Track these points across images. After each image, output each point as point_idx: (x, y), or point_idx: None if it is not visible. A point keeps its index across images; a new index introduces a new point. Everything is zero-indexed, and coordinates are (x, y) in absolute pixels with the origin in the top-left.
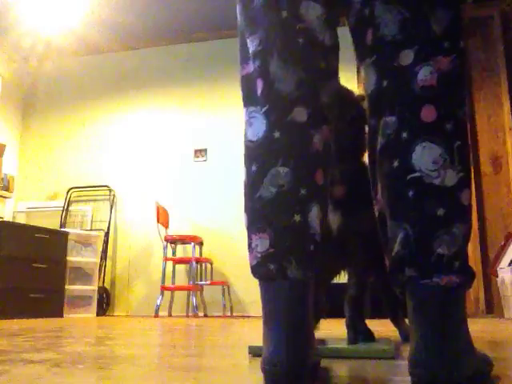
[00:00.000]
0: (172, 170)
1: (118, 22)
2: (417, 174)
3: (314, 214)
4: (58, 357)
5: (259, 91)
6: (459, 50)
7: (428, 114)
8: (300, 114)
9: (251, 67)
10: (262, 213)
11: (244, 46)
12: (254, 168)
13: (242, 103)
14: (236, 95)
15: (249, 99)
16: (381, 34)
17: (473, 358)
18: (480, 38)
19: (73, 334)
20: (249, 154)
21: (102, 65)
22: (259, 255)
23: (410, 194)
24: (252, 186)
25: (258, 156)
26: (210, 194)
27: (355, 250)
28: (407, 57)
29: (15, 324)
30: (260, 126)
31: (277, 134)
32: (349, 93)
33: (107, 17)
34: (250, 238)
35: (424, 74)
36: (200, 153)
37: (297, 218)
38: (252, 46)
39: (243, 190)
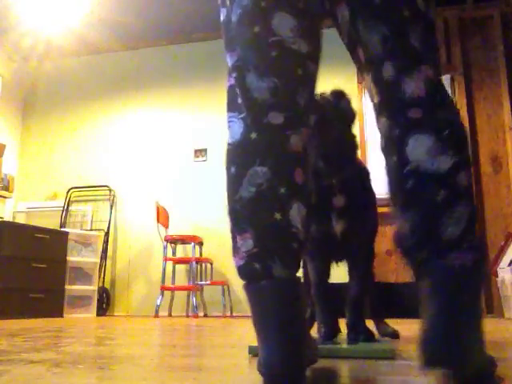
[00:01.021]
0: (172, 170)
1: (118, 21)
2: (413, 165)
3: (295, 212)
4: (58, 357)
5: (239, 99)
6: (437, 59)
7: (415, 112)
8: (275, 118)
9: (232, 79)
10: (244, 213)
11: (227, 62)
12: (233, 169)
13: None
14: None
15: (230, 106)
16: (368, 52)
17: (482, 348)
18: (480, 37)
19: (73, 333)
20: (227, 157)
21: (102, 65)
22: (245, 255)
23: (410, 183)
24: (232, 187)
25: (236, 157)
26: (209, 194)
27: (359, 252)
28: (390, 69)
29: (15, 324)
30: (237, 129)
31: (254, 135)
32: (322, 99)
33: (107, 17)
34: (234, 240)
35: (409, 87)
36: (200, 153)
37: (277, 216)
38: (230, 62)
39: (226, 193)
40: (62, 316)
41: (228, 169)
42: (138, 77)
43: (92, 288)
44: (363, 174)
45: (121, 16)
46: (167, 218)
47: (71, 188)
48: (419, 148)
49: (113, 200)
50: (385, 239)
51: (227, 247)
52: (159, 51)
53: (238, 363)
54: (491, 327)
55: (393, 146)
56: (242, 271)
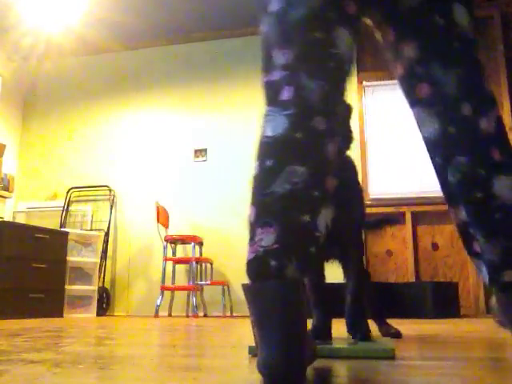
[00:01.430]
0: (172, 170)
1: (118, 21)
2: (500, 201)
3: (323, 217)
4: (58, 357)
5: (285, 96)
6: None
7: (495, 153)
8: (320, 123)
9: (277, 75)
10: (273, 208)
11: (270, 56)
12: (268, 163)
13: (242, 103)
14: (236, 95)
15: (270, 101)
16: (440, 90)
17: None
18: (480, 37)
19: (73, 333)
20: (263, 149)
21: (102, 65)
22: (261, 249)
23: (498, 215)
24: (265, 180)
25: (274, 152)
26: (210, 194)
27: (349, 247)
28: (468, 109)
29: (15, 324)
30: (279, 125)
31: (299, 135)
32: None
33: (107, 16)
34: (253, 231)
35: (485, 124)
36: (200, 153)
37: (306, 217)
38: (282, 59)
39: (253, 184)
40: (62, 316)
41: (262, 161)
42: (138, 77)
43: (92, 288)
44: (348, 169)
45: (120, 16)
46: (167, 218)
47: (71, 188)
48: (503, 187)
49: (113, 200)
50: (385, 239)
51: (227, 247)
52: (159, 51)
53: (238, 363)
54: (491, 327)
55: (478, 185)
56: (252, 265)
